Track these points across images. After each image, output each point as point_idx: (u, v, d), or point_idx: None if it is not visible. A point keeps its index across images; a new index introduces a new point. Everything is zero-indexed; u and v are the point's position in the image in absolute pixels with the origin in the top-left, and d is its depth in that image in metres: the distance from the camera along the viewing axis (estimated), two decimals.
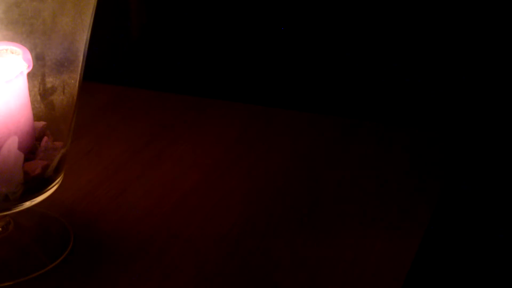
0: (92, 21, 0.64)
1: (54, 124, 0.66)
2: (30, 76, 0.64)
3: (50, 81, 0.65)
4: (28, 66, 0.63)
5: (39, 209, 0.69)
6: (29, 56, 0.62)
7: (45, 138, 0.65)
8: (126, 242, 0.69)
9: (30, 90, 0.64)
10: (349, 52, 0.92)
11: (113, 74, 1.00)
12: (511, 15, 0.86)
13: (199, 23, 0.97)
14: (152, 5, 0.97)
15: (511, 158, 0.88)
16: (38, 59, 0.63)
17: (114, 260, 0.67)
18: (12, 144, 0.62)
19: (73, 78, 0.65)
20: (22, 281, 0.64)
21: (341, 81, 0.94)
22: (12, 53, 0.62)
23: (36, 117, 0.65)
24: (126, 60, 1.00)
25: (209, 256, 0.67)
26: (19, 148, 0.62)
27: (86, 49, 0.65)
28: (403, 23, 0.90)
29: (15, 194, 0.63)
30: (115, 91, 0.95)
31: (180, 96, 0.93)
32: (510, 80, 0.88)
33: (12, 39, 0.62)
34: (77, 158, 0.79)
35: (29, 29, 0.61)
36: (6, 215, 0.65)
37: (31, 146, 0.64)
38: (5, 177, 0.62)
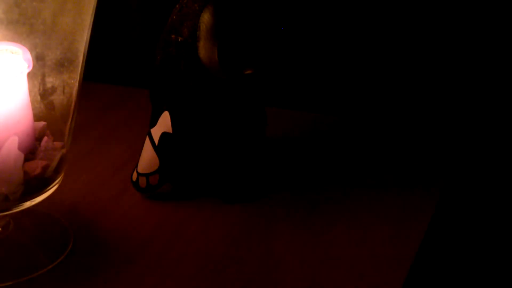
0: (92, 21, 0.64)
1: (54, 124, 0.66)
2: (30, 76, 0.64)
3: (50, 81, 0.65)
4: (28, 66, 0.62)
5: (39, 209, 0.69)
6: (29, 56, 0.62)
7: (45, 138, 0.65)
8: (126, 242, 0.69)
9: (30, 90, 0.64)
10: (351, 50, 0.92)
11: (113, 74, 1.00)
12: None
13: None
14: (152, 5, 0.97)
15: (511, 158, 0.88)
16: (38, 59, 0.63)
17: (114, 260, 0.67)
18: (12, 144, 0.62)
19: (73, 78, 0.65)
20: (22, 281, 0.64)
21: (341, 80, 0.94)
22: (12, 53, 0.62)
23: (36, 117, 0.65)
24: (126, 60, 1.00)
25: (209, 256, 0.67)
26: (19, 148, 0.62)
27: (86, 49, 0.65)
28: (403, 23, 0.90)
29: (15, 194, 0.63)
30: (115, 91, 0.95)
31: None
32: (509, 80, 0.88)
33: (12, 39, 0.62)
34: (77, 158, 0.79)
35: (29, 29, 0.61)
36: (6, 215, 0.65)
37: (31, 146, 0.64)
38: (5, 177, 0.62)
